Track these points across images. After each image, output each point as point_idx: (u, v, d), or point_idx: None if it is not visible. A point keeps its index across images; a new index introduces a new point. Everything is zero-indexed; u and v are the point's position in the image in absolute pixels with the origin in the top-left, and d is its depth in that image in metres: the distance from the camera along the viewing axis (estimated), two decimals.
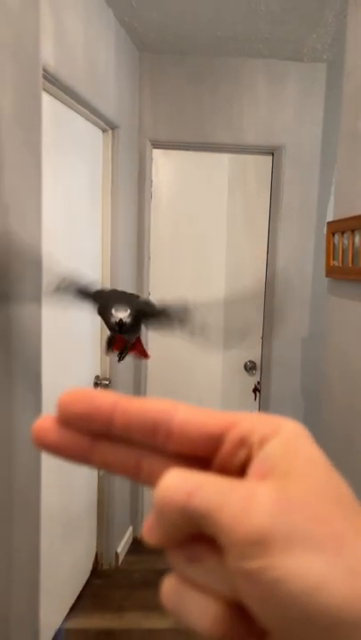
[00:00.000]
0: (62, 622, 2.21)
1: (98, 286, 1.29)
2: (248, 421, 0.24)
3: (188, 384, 2.92)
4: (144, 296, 2.85)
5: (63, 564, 2.19)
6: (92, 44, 2.02)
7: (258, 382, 2.93)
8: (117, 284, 2.44)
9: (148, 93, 2.68)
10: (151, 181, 2.78)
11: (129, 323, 1.18)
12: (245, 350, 2.91)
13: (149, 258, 2.83)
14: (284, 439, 0.23)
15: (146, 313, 1.27)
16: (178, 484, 0.21)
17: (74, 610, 2.32)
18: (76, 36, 1.87)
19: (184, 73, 2.66)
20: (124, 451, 0.25)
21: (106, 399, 0.24)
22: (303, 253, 2.80)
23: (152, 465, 0.25)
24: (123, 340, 1.41)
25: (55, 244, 1.83)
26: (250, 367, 2.91)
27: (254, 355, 2.91)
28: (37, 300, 1.46)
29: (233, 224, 2.84)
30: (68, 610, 2.29)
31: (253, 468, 0.23)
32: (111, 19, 2.21)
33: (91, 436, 0.25)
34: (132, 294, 1.35)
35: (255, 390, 2.94)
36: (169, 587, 0.23)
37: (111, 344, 1.40)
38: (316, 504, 0.21)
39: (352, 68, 1.58)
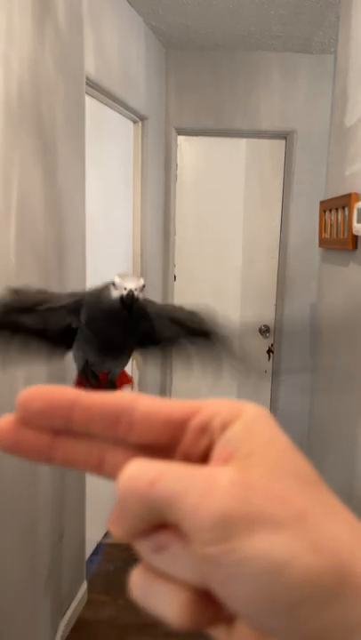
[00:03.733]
0: (103, 537, 2.65)
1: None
2: (208, 408, 0.24)
3: None
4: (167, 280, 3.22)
5: (105, 485, 2.61)
6: (125, 49, 2.36)
7: (271, 344, 3.29)
8: (146, 258, 2.82)
9: (174, 86, 3.01)
10: (176, 165, 3.13)
11: (140, 302, 0.86)
12: (260, 316, 3.27)
13: (175, 234, 3.19)
14: (245, 422, 0.23)
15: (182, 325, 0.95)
16: (139, 473, 0.21)
17: None
18: (113, 46, 2.21)
19: (205, 67, 2.98)
20: (86, 445, 0.25)
21: (65, 394, 0.24)
22: (312, 229, 3.11)
23: (115, 457, 0.25)
24: (104, 375, 1.06)
25: (95, 224, 2.21)
26: (264, 331, 3.26)
27: (268, 319, 3.27)
28: None
29: (249, 202, 3.17)
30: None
31: (216, 453, 0.23)
32: (141, 25, 2.55)
33: (52, 434, 0.25)
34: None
35: (269, 352, 3.30)
36: (137, 578, 0.23)
37: (89, 379, 1.03)
38: (278, 483, 0.21)
39: (341, 69, 1.89)
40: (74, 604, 2.15)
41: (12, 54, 1.32)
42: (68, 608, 2.10)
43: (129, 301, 0.84)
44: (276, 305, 3.25)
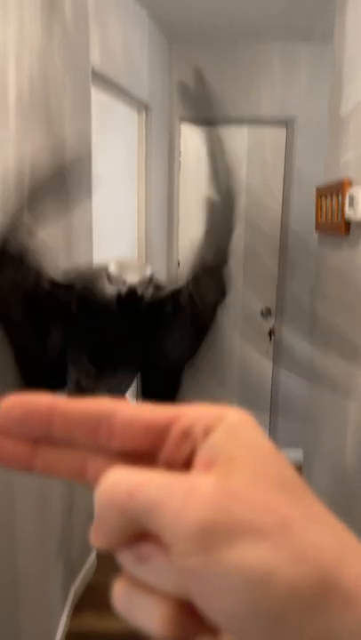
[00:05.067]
0: None
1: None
2: (190, 414, 0.24)
3: None
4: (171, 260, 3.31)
5: None
6: (129, 41, 2.43)
7: (272, 326, 3.39)
8: (150, 243, 2.92)
9: (177, 75, 3.08)
10: (180, 152, 3.21)
11: (147, 298, 0.63)
12: (262, 298, 3.37)
13: (178, 219, 3.28)
14: (228, 427, 0.23)
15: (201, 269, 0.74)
16: (118, 482, 0.21)
17: None
18: (117, 38, 2.29)
19: (208, 56, 3.05)
20: (67, 453, 0.24)
21: (42, 401, 0.24)
22: (311, 214, 3.20)
23: (97, 465, 0.24)
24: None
25: (102, 209, 2.30)
26: (265, 313, 3.36)
27: (269, 302, 3.37)
28: None
29: (251, 188, 3.25)
30: None
31: (198, 460, 0.23)
32: (144, 17, 2.62)
33: (32, 443, 0.24)
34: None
35: (270, 333, 3.41)
36: (119, 589, 0.23)
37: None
38: (260, 491, 0.21)
39: (337, 60, 1.97)
40: (83, 571, 2.28)
41: (24, 53, 1.41)
42: (78, 574, 2.24)
43: (129, 303, 0.59)
44: (277, 287, 3.35)
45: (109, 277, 0.63)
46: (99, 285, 0.64)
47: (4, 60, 1.31)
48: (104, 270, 0.64)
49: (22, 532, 1.57)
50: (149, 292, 0.63)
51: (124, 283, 0.62)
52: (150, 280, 0.64)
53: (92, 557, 2.38)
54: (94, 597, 2.22)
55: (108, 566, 2.39)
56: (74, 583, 2.19)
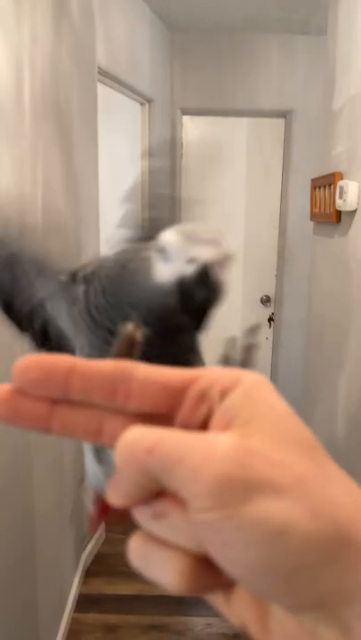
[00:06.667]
0: None
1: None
2: (207, 376, 0.24)
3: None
4: None
5: None
6: (132, 37, 2.53)
7: (272, 313, 3.51)
8: None
9: (178, 68, 3.18)
10: (182, 144, 3.32)
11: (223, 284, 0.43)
12: (262, 286, 3.49)
13: (180, 209, 3.39)
14: (245, 390, 0.23)
15: None
16: (137, 439, 0.21)
17: None
18: (121, 35, 2.39)
19: (208, 49, 3.14)
20: (85, 414, 0.25)
21: (62, 363, 0.24)
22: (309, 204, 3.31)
23: (114, 426, 0.24)
24: (105, 506, 0.65)
25: (106, 201, 2.42)
26: (265, 300, 3.49)
27: (269, 290, 3.49)
28: None
29: (251, 178, 3.36)
30: None
31: (215, 421, 0.23)
32: (146, 11, 2.71)
33: (50, 403, 0.24)
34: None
35: (270, 320, 3.53)
36: (135, 545, 0.23)
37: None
38: (278, 449, 0.21)
39: (330, 55, 2.07)
40: (93, 540, 2.43)
41: (37, 56, 1.52)
42: (88, 543, 2.39)
43: (199, 291, 0.40)
44: (276, 275, 3.47)
45: (165, 253, 0.41)
46: (143, 265, 0.43)
47: (19, 63, 1.42)
48: (152, 246, 0.42)
49: (39, 501, 1.70)
50: (225, 277, 0.41)
51: (193, 260, 0.40)
52: (230, 258, 0.41)
53: (101, 528, 2.53)
54: (103, 565, 2.37)
55: (115, 537, 2.54)
56: (84, 552, 2.34)
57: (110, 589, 2.21)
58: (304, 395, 2.43)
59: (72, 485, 2.10)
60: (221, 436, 0.22)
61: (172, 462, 0.21)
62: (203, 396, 0.24)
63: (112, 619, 2.10)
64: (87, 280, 0.49)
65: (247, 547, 0.20)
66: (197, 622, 2.07)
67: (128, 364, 0.24)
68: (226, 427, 0.23)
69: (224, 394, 0.23)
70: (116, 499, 0.23)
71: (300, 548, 0.19)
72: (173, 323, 0.43)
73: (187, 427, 0.24)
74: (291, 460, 0.21)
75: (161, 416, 0.24)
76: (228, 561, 0.20)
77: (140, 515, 0.23)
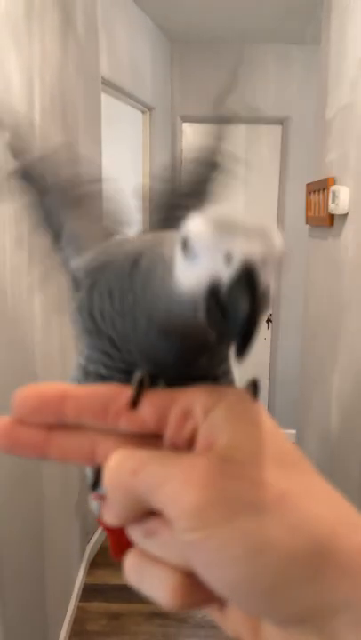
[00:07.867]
0: None
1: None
2: (188, 395, 0.25)
3: None
4: None
5: None
6: (134, 48, 2.63)
7: (270, 314, 3.60)
8: None
9: (178, 77, 3.28)
10: (182, 150, 3.42)
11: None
12: None
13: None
14: (227, 406, 0.24)
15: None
16: (122, 463, 0.22)
17: None
18: (123, 46, 2.49)
19: (207, 58, 3.25)
20: (79, 437, 0.25)
21: (54, 390, 0.25)
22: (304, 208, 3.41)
23: (106, 447, 0.25)
24: (124, 539, 0.29)
25: None
26: None
27: None
28: None
29: (249, 184, 3.46)
30: None
31: (200, 439, 0.24)
32: (148, 23, 2.81)
33: (46, 430, 0.25)
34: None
35: (267, 321, 3.62)
36: (131, 562, 0.24)
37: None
38: (259, 468, 0.22)
39: (323, 66, 2.17)
40: (97, 534, 2.51)
41: (46, 70, 1.62)
42: (92, 536, 2.47)
43: (254, 304, 0.26)
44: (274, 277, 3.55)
45: (190, 248, 0.27)
46: (161, 268, 0.30)
47: (30, 76, 1.52)
48: (175, 237, 0.29)
49: (48, 492, 1.77)
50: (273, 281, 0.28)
51: (230, 258, 0.26)
52: (281, 255, 0.28)
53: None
54: (107, 556, 2.45)
55: None
56: (89, 544, 2.42)
57: (114, 579, 2.29)
58: (301, 392, 2.52)
59: (77, 479, 2.18)
60: (201, 458, 0.22)
61: (155, 485, 0.22)
62: (187, 414, 0.24)
63: (116, 607, 2.18)
64: (91, 276, 0.37)
65: (228, 565, 0.20)
66: (198, 610, 2.14)
67: (116, 386, 0.26)
68: (209, 445, 0.23)
69: (207, 412, 0.24)
70: (110, 519, 0.24)
71: (279, 565, 0.20)
72: (200, 340, 0.29)
73: (174, 444, 0.25)
74: (272, 477, 0.22)
75: (150, 435, 0.25)
76: (212, 579, 0.21)
77: (134, 533, 0.24)
